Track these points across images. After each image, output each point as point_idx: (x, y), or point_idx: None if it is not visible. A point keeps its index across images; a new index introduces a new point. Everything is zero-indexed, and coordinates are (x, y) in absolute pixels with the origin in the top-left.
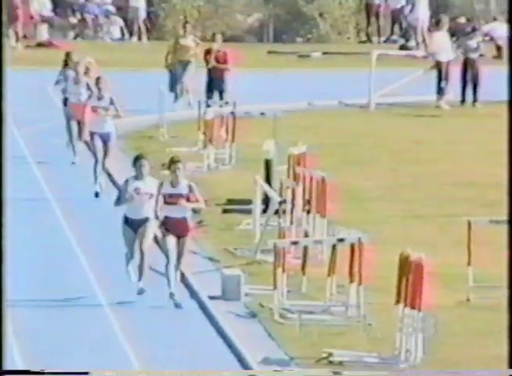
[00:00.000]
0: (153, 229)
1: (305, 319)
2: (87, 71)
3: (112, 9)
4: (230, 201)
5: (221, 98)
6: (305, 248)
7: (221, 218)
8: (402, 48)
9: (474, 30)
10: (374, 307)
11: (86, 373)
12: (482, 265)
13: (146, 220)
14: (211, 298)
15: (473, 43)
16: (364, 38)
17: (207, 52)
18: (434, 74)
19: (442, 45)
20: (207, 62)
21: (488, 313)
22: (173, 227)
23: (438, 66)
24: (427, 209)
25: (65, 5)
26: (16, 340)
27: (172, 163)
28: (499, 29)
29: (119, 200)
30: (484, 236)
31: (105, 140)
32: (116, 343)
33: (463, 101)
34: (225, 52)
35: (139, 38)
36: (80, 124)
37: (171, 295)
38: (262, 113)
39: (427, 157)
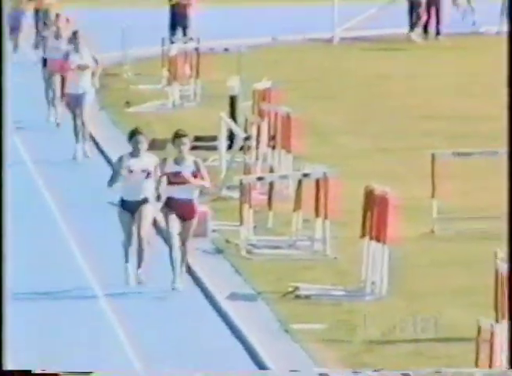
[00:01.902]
0: (152, 211)
1: (272, 254)
2: (66, 26)
3: None
4: (196, 138)
5: (184, 34)
6: (271, 184)
7: None
8: None
9: None
10: (340, 241)
11: (89, 373)
12: (446, 197)
13: (143, 201)
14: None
15: None
16: None
17: None
18: (395, 7)
19: None
20: None
21: (452, 244)
22: (177, 209)
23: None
24: (392, 143)
25: None
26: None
27: (176, 137)
28: None
29: (112, 180)
30: (447, 168)
31: (81, 99)
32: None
33: (425, 32)
34: None
35: None
36: (63, 80)
37: (174, 288)
38: (226, 49)
39: (391, 90)
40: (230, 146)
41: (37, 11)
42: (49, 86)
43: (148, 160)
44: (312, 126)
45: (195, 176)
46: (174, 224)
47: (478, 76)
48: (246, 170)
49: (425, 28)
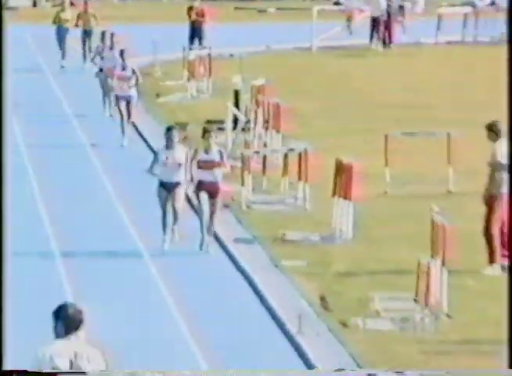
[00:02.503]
0: (184, 191)
1: (265, 208)
2: (117, 41)
3: None
4: (208, 121)
5: (200, 43)
6: (265, 156)
7: None
8: (336, 4)
9: None
10: (316, 199)
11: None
12: (396, 167)
13: (177, 184)
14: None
15: None
16: None
17: (190, 8)
18: (358, 24)
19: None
20: (189, 16)
21: (401, 201)
22: (206, 189)
23: (372, 19)
24: (355, 125)
25: None
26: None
27: (205, 132)
28: None
29: (151, 168)
30: (397, 144)
31: (128, 102)
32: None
33: (384, 43)
34: (202, 9)
35: None
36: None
37: (202, 247)
38: (231, 55)
39: (355, 86)
40: (234, 128)
41: (85, 30)
42: (104, 87)
43: (180, 152)
44: (296, 113)
45: (219, 163)
46: (204, 197)
47: (420, 75)
48: (246, 145)
49: (383, 40)
